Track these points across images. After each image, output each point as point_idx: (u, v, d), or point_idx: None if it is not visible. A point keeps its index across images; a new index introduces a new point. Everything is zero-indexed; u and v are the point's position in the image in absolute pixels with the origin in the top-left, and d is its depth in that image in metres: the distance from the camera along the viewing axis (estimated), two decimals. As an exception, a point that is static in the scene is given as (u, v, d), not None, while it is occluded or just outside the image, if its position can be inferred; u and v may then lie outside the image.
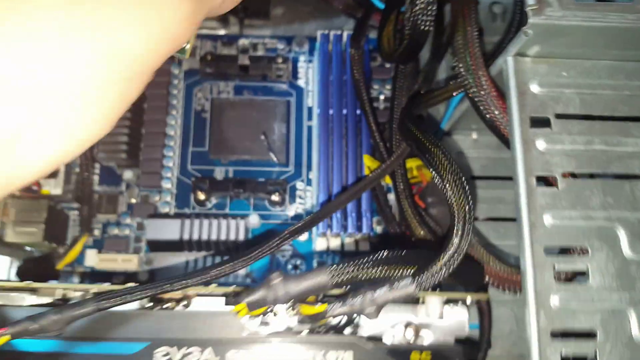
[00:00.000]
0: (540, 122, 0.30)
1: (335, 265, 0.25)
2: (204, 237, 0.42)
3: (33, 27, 0.14)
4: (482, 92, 0.32)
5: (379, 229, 0.45)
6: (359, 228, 0.42)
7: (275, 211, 0.46)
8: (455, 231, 0.25)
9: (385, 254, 0.25)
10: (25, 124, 0.14)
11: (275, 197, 0.45)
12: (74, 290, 0.29)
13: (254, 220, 0.45)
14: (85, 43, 0.15)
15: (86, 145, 0.17)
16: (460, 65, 0.33)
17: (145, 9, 0.16)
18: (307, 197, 0.46)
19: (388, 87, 0.49)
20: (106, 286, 0.29)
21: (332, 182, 0.43)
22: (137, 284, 0.27)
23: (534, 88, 0.30)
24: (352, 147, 0.44)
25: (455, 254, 0.24)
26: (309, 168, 0.47)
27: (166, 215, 0.44)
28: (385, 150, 0.40)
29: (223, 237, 0.42)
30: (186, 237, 0.41)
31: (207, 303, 0.29)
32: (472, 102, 0.34)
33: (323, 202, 0.42)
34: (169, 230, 0.41)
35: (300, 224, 0.30)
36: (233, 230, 0.42)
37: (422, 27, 0.32)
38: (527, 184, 0.29)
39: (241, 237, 0.42)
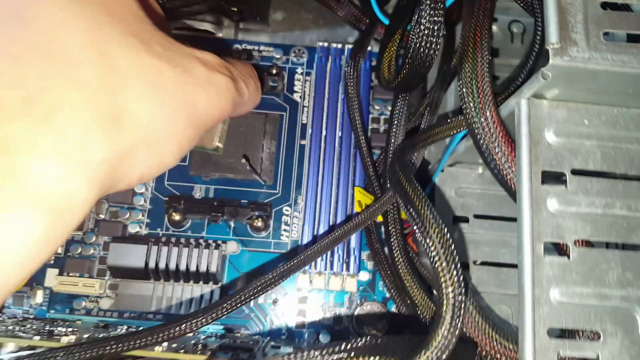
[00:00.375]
0: (553, 178, 0.26)
1: (293, 356, 0.21)
2: (172, 266, 0.38)
3: (155, 101, 0.21)
4: (488, 136, 0.28)
5: (369, 264, 0.41)
6: (346, 267, 0.38)
7: (257, 237, 0.42)
8: (442, 319, 0.20)
9: (357, 342, 0.21)
10: (134, 148, 0.20)
11: (257, 223, 0.41)
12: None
13: (231, 247, 0.41)
14: (181, 108, 0.23)
15: (164, 170, 0.24)
16: (466, 100, 0.29)
17: (212, 90, 0.25)
18: (295, 223, 0.43)
19: (390, 108, 0.45)
20: (38, 341, 0.25)
21: (319, 213, 0.39)
22: (75, 343, 0.23)
23: (550, 137, 0.26)
24: (345, 174, 0.40)
25: (442, 347, 0.20)
26: (299, 192, 0.43)
27: (134, 237, 0.40)
28: (379, 186, 0.36)
29: (193, 267, 0.38)
30: (152, 265, 0.37)
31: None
32: (476, 144, 0.29)
33: (304, 244, 0.38)
34: (133, 256, 0.37)
35: (273, 274, 0.26)
36: (205, 259, 0.38)
37: (426, 51, 0.27)
38: (533, 251, 0.24)
39: (213, 268, 0.38)
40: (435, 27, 0.26)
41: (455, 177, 0.41)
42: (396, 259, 0.33)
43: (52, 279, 0.39)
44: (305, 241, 0.38)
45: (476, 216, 0.41)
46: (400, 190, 0.24)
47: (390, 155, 0.31)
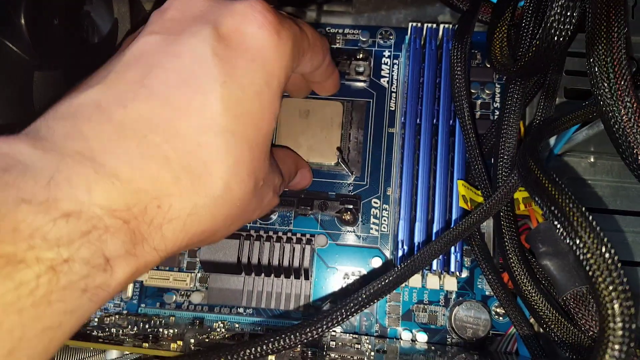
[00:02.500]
0: None
1: None
2: (265, 261, 0.36)
3: (231, 220, 0.25)
4: (628, 124, 0.25)
5: (467, 261, 0.38)
6: (446, 265, 0.36)
7: (345, 231, 0.40)
8: (606, 347, 0.18)
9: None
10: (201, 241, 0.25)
11: (346, 216, 0.39)
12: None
13: (320, 241, 0.40)
14: (242, 221, 0.28)
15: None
16: (600, 85, 0.25)
17: (265, 209, 0.31)
18: (384, 216, 0.40)
19: (488, 91, 0.41)
20: (145, 349, 0.24)
21: (415, 206, 0.37)
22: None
23: None
24: (443, 166, 0.37)
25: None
26: (387, 183, 0.41)
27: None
28: (488, 181, 0.33)
29: (286, 262, 0.37)
30: (245, 260, 0.36)
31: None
32: (609, 132, 0.26)
33: (400, 240, 0.36)
34: (226, 251, 0.36)
35: (383, 283, 0.24)
36: (298, 255, 0.37)
37: (558, 33, 0.24)
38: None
39: (306, 263, 0.37)
40: (571, 4, 0.23)
41: (564, 167, 0.38)
42: (511, 261, 0.30)
43: (143, 272, 0.39)
44: (401, 236, 0.36)
45: (587, 209, 0.37)
46: (536, 184, 0.22)
47: (508, 143, 0.28)
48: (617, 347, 0.17)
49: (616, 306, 0.17)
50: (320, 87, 0.39)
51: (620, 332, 0.17)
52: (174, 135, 0.21)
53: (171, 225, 0.21)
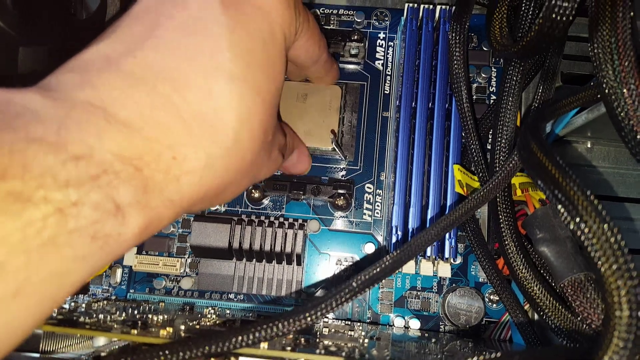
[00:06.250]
0: None
1: None
2: (256, 246, 0.36)
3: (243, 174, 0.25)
4: (631, 107, 0.24)
5: (460, 247, 0.38)
6: (440, 251, 0.35)
7: (338, 216, 0.40)
8: (612, 336, 0.17)
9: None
10: (210, 198, 0.24)
11: (339, 201, 0.39)
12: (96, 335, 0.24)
13: (312, 226, 0.39)
14: (250, 178, 0.27)
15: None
16: (604, 67, 0.25)
17: (273, 167, 0.30)
18: (377, 202, 0.40)
19: (484, 75, 0.41)
20: (134, 336, 0.24)
21: (410, 191, 0.36)
22: (170, 342, 0.21)
23: None
24: (438, 150, 0.36)
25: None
26: (381, 168, 0.40)
27: (215, 214, 0.39)
28: (485, 165, 0.32)
29: (278, 247, 0.36)
30: (236, 245, 0.36)
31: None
32: (611, 115, 0.26)
33: (394, 226, 0.35)
34: (217, 236, 0.35)
35: (378, 270, 0.24)
36: (290, 240, 0.36)
37: (562, 11, 0.23)
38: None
39: (299, 249, 0.36)
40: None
41: (561, 152, 0.37)
42: (508, 247, 0.29)
43: (130, 257, 0.38)
44: (395, 222, 0.36)
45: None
46: (543, 175, 0.21)
47: (507, 125, 0.28)
48: (623, 335, 0.16)
49: (623, 293, 0.17)
50: (319, 81, 0.39)
51: (627, 320, 0.17)
52: (184, 84, 0.21)
53: (188, 178, 0.20)
